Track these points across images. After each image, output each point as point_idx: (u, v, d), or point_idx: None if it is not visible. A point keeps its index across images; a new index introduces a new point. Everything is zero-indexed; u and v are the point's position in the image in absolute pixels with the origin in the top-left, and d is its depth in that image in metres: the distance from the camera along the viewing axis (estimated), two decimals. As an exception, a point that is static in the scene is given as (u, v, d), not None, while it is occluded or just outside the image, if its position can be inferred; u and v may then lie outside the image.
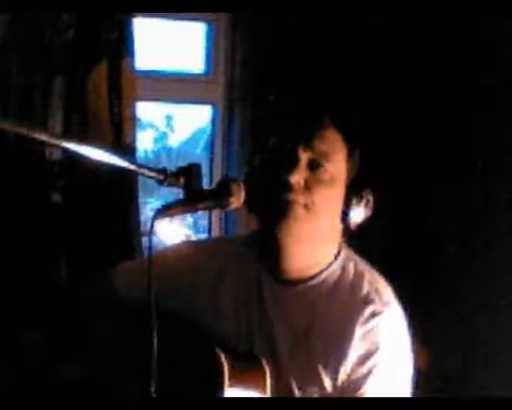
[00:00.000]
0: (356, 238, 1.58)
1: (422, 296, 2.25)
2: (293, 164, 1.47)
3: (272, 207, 1.48)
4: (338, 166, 1.51)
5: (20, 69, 2.19)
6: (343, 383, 1.47)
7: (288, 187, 1.46)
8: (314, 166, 1.48)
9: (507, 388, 2.19)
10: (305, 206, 1.46)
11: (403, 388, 1.50)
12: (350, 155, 1.53)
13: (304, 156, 1.48)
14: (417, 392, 1.55)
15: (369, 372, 1.46)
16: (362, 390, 1.46)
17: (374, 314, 1.49)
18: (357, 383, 1.46)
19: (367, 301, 1.50)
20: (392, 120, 2.40)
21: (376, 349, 1.47)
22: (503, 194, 2.24)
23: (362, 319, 1.48)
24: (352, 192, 1.51)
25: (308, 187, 1.47)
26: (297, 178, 1.46)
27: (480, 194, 2.29)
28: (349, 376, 1.47)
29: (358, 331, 1.48)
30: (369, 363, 1.46)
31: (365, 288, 1.52)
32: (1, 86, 2.18)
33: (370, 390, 1.46)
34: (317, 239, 1.52)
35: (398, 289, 1.56)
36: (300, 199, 1.46)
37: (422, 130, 2.39)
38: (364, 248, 1.61)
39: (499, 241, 2.26)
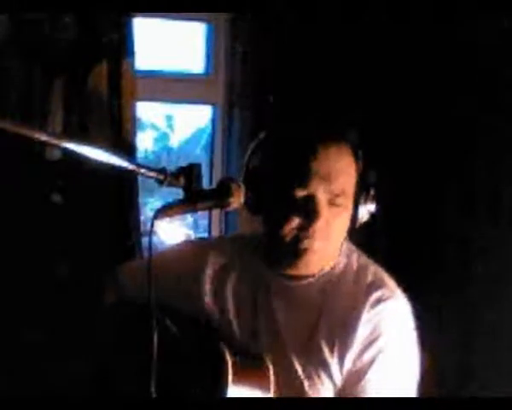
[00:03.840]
0: (358, 236, 1.59)
1: (423, 294, 2.24)
2: (316, 211, 1.44)
3: (293, 245, 1.47)
4: (351, 193, 1.49)
5: (20, 69, 2.19)
6: (348, 371, 1.47)
7: (311, 231, 1.45)
8: (332, 204, 1.46)
9: (507, 387, 2.18)
10: (325, 239, 1.47)
11: (409, 377, 1.50)
12: (357, 165, 1.51)
13: (323, 198, 1.45)
14: (417, 392, 1.54)
15: (373, 360, 1.46)
16: (365, 379, 1.45)
17: (380, 300, 1.49)
18: (362, 370, 1.46)
19: (372, 287, 1.51)
20: (396, 119, 2.40)
21: (381, 335, 1.47)
22: (507, 189, 2.23)
23: (368, 304, 1.49)
24: (359, 198, 1.51)
25: (328, 224, 1.46)
26: (320, 223, 1.45)
27: (485, 191, 2.29)
28: (354, 363, 1.46)
29: (364, 318, 1.48)
30: (374, 349, 1.46)
31: (370, 277, 1.53)
32: (1, 86, 2.18)
33: (374, 378, 1.45)
34: (331, 251, 1.54)
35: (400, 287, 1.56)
36: (321, 237, 1.46)
37: (426, 129, 2.38)
38: (367, 246, 1.62)
39: (502, 237, 2.25)
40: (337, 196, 1.45)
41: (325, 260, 1.54)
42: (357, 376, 1.46)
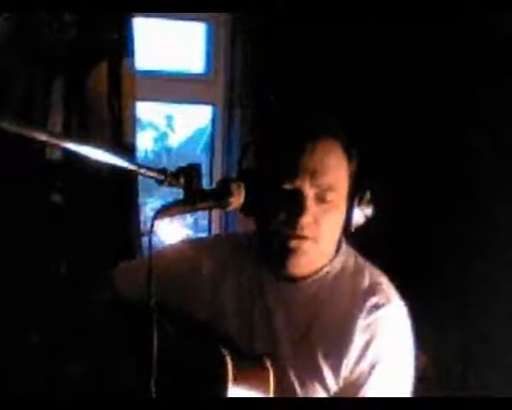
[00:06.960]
0: (357, 240, 1.58)
1: (422, 296, 2.24)
2: (302, 205, 1.42)
3: (281, 244, 1.45)
4: (342, 191, 1.48)
5: (20, 69, 2.19)
6: (345, 379, 1.45)
7: (299, 228, 1.43)
8: (320, 199, 1.45)
9: (507, 387, 2.18)
10: (314, 239, 1.45)
11: (406, 385, 1.48)
12: (350, 164, 1.50)
13: (310, 192, 1.44)
14: (417, 392, 1.54)
15: (372, 367, 1.44)
16: (365, 387, 1.44)
17: (376, 307, 1.48)
18: (360, 378, 1.44)
19: (369, 293, 1.49)
20: (394, 121, 2.40)
21: (378, 342, 1.45)
22: (506, 189, 2.24)
23: (364, 311, 1.47)
24: (353, 200, 1.49)
25: (316, 221, 1.44)
26: (307, 218, 1.43)
27: (482, 192, 2.29)
28: (351, 371, 1.45)
29: (360, 324, 1.46)
30: (372, 357, 1.45)
31: (367, 281, 1.52)
32: (1, 86, 2.18)
33: (374, 386, 1.44)
34: (322, 253, 1.52)
35: (399, 289, 1.55)
36: (309, 236, 1.44)
37: (424, 130, 2.39)
38: (366, 249, 1.61)
39: (500, 240, 2.26)
40: (325, 190, 1.44)
41: (316, 261, 1.51)
42: (357, 384, 1.45)
